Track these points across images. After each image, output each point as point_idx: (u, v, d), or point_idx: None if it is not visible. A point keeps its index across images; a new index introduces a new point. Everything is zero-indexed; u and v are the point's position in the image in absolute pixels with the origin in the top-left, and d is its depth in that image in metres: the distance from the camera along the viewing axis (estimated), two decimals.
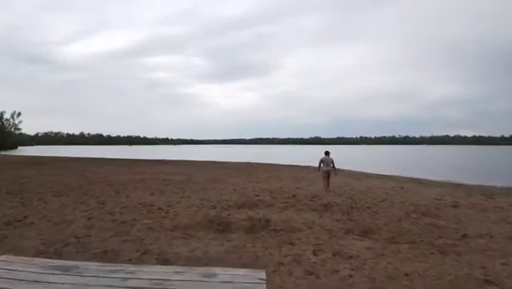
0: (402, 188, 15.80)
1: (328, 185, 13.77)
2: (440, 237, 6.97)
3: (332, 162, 14.00)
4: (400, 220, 8.59)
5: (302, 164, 35.40)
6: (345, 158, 47.08)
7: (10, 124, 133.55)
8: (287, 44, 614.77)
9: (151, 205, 9.49)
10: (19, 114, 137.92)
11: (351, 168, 30.10)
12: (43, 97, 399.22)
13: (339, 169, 15.40)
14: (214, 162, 37.43)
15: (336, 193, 13.32)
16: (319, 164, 14.22)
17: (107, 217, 8.05)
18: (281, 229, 7.13)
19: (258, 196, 11.82)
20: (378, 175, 24.93)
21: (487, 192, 15.10)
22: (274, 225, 7.51)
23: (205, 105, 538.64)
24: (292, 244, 6.20)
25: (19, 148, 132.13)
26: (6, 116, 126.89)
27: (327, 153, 14.32)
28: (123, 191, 12.81)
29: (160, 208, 9.19)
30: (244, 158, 53.18)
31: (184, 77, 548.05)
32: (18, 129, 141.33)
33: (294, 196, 12.12)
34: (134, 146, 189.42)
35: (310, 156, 66.03)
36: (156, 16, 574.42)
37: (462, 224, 8.24)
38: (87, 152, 74.79)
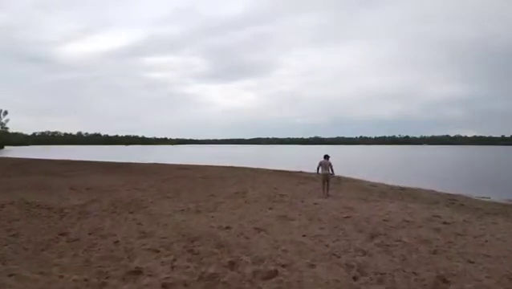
0: (445, 222, 9.01)
1: (328, 190, 13.41)
2: None
3: (330, 166, 13.56)
4: None
5: (293, 170, 28.65)
6: (344, 161, 40.24)
7: None
8: (287, 44, 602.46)
9: None
10: (6, 112, 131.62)
11: (352, 176, 23.30)
12: (42, 97, 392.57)
13: (339, 178, 15.13)
14: (184, 167, 30.58)
15: (329, 245, 6.53)
16: (318, 168, 13.78)
17: None
18: None
19: (137, 274, 4.97)
20: (391, 188, 18.08)
21: None
22: None
23: (205, 105, 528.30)
24: None
25: (6, 148, 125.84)
26: None
27: (326, 157, 13.78)
28: None
29: None
30: (234, 160, 46.89)
31: (183, 77, 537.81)
32: (5, 128, 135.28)
33: (231, 265, 5.32)
34: (130, 146, 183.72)
35: (307, 157, 59.18)
36: (155, 16, 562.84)
37: None
38: (69, 153, 68.26)
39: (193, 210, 9.82)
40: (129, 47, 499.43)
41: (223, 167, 31.21)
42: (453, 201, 13.73)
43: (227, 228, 7.73)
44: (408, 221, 9.08)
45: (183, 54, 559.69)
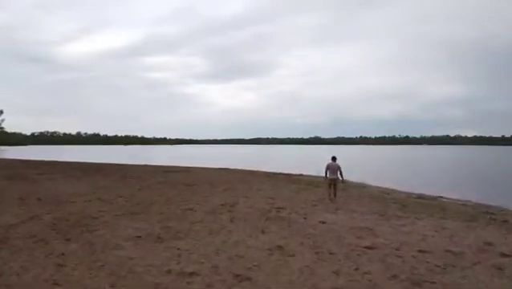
0: (504, 254, 6.46)
1: (335, 195, 12.13)
2: None
3: (339, 169, 12.11)
4: None
5: (293, 172, 26.00)
6: (345, 161, 37.53)
7: None
8: (287, 44, 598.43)
9: None
10: (1, 112, 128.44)
11: (356, 179, 20.63)
12: (41, 97, 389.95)
13: (347, 181, 14.02)
14: (172, 170, 27.93)
15: None
16: (326, 172, 12.26)
17: None
18: None
19: None
20: (407, 196, 15.45)
21: None
22: None
23: (205, 105, 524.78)
24: None
25: (1, 148, 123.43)
26: None
27: (333, 159, 12.33)
28: None
29: None
30: (232, 160, 44.47)
31: (183, 77, 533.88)
32: (1, 128, 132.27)
33: None
34: (129, 146, 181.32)
35: (307, 157, 56.43)
36: (155, 16, 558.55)
37: None
38: (64, 154, 65.60)
39: (154, 236, 7.11)
40: (129, 47, 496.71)
41: (215, 169, 28.55)
42: (491, 215, 11.05)
43: (191, 275, 5.04)
44: (454, 254, 6.44)
45: (183, 54, 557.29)
